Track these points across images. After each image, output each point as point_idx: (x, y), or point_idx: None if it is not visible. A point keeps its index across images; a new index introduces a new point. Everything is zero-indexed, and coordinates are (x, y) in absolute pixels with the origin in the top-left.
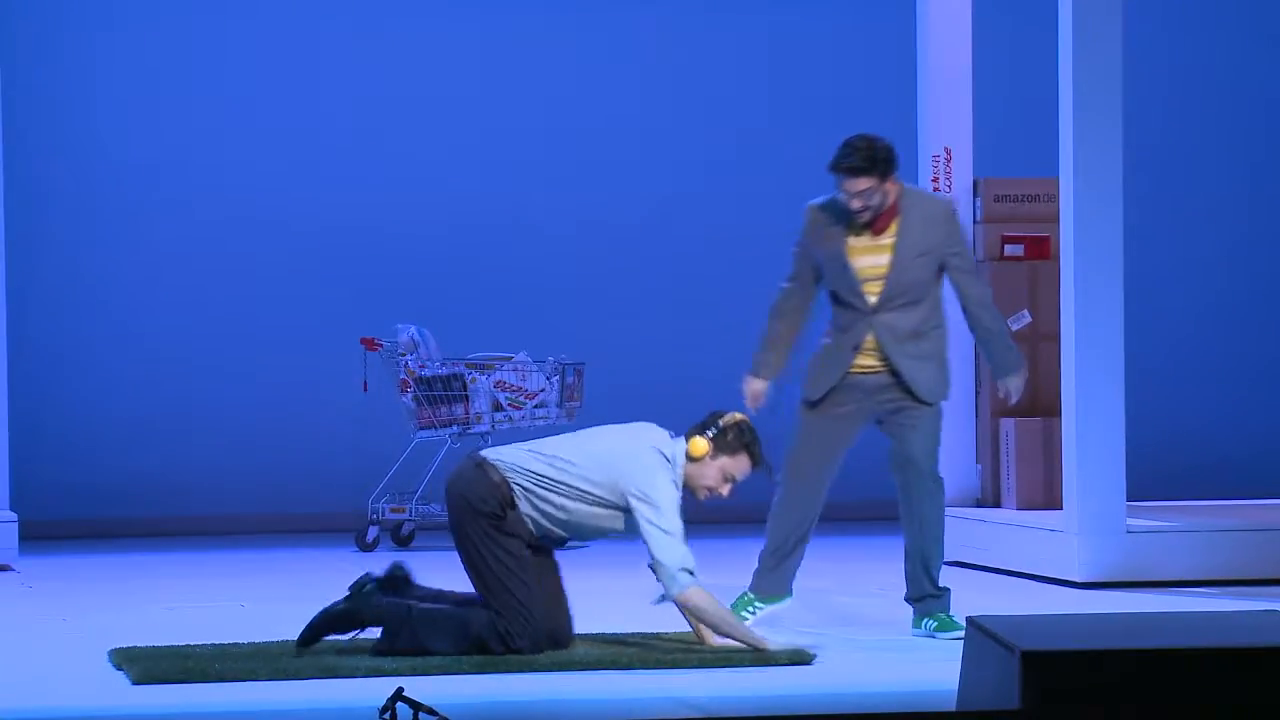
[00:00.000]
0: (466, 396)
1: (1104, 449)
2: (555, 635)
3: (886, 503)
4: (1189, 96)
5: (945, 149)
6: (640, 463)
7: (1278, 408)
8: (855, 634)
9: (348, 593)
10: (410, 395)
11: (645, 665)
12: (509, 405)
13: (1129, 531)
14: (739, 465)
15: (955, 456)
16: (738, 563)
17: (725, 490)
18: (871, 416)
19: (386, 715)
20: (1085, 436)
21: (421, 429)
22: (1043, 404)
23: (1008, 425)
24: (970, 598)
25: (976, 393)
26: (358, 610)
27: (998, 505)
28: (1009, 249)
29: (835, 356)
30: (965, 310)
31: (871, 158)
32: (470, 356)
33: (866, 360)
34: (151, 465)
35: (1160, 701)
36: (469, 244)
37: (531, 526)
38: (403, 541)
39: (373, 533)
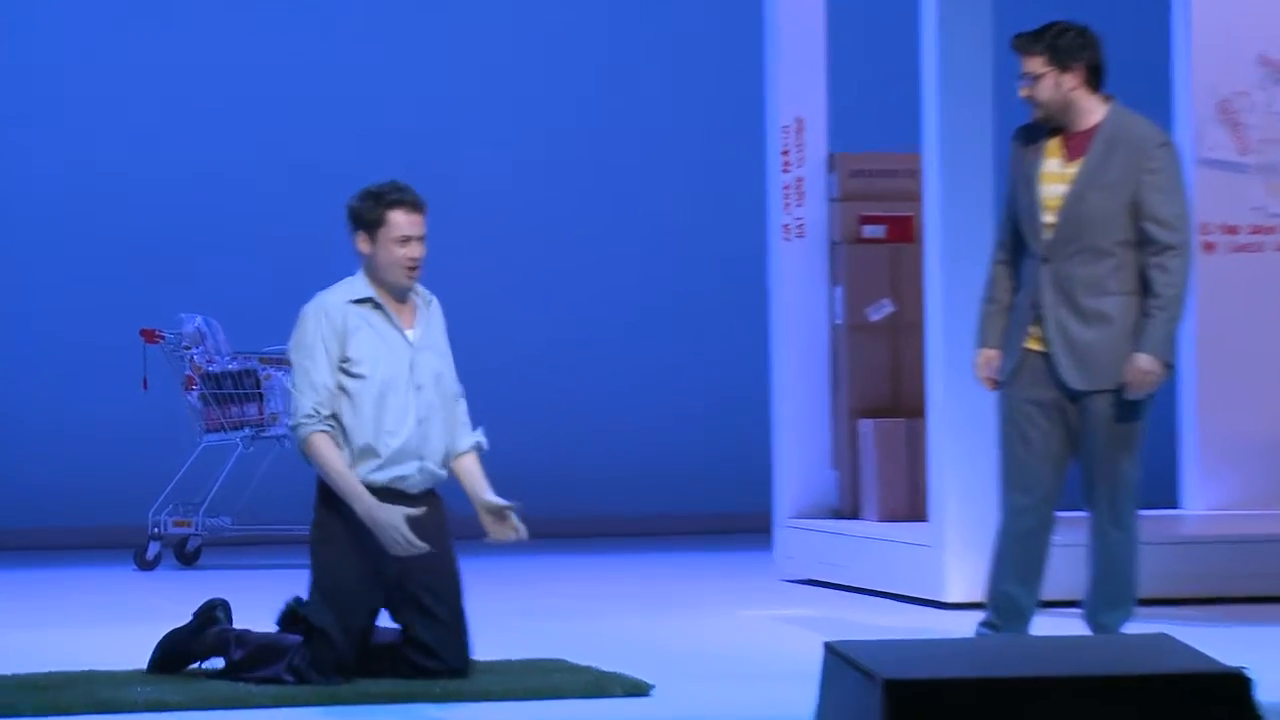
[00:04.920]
0: (260, 395)
1: (974, 453)
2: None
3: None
4: None
5: (796, 120)
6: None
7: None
8: (697, 661)
9: (192, 619)
10: (196, 394)
11: (471, 698)
12: None
13: None
14: (394, 223)
15: (808, 462)
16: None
17: (411, 253)
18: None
19: None
20: (953, 439)
21: (209, 431)
22: (906, 403)
23: (866, 427)
24: (827, 620)
25: (833, 389)
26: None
27: (856, 517)
28: (868, 230)
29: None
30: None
31: (1040, 35)
32: (264, 350)
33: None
34: None
35: None
36: (259, 226)
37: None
38: (187, 559)
39: (153, 549)
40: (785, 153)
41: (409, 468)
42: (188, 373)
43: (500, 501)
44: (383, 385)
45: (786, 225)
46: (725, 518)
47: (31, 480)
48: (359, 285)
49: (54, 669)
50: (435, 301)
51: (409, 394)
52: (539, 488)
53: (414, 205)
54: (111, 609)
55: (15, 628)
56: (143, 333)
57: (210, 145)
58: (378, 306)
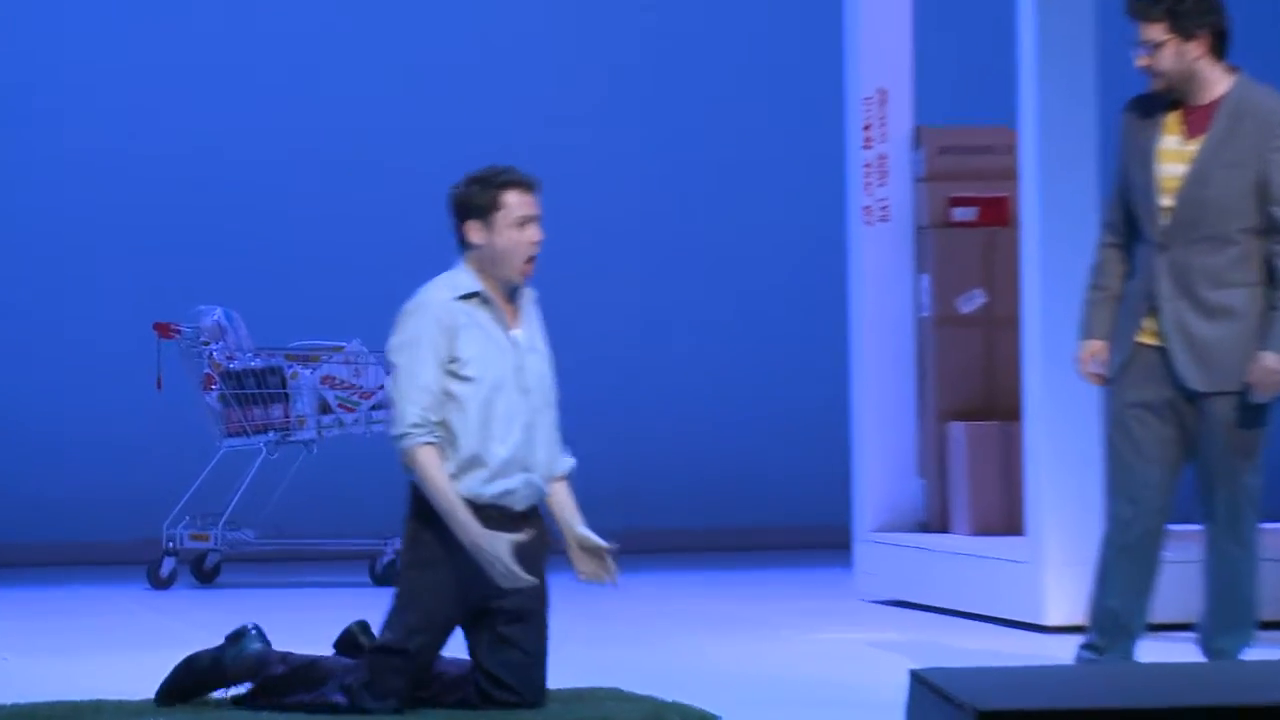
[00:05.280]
0: (286, 395)
1: (1077, 459)
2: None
3: (793, 529)
4: None
5: (879, 91)
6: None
7: None
8: (768, 689)
9: (224, 641)
10: (216, 394)
11: None
12: (339, 406)
13: None
14: (510, 205)
15: (892, 470)
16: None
17: (531, 236)
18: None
19: None
20: (1053, 443)
21: (230, 435)
22: (1000, 404)
23: (956, 431)
24: (913, 645)
25: (919, 389)
26: (225, 660)
27: (945, 530)
28: (958, 213)
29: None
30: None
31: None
32: (291, 346)
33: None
34: None
35: None
36: (284, 211)
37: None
38: (206, 576)
39: (168, 565)
40: (867, 127)
41: (515, 480)
42: (206, 371)
43: (600, 542)
44: (491, 389)
45: (868, 208)
46: (800, 531)
47: (35, 490)
48: (465, 279)
49: (58, 698)
50: (535, 299)
51: (517, 398)
52: (600, 500)
53: (527, 184)
54: (122, 631)
55: (17, 652)
56: (156, 327)
57: (229, 127)
58: (485, 301)
